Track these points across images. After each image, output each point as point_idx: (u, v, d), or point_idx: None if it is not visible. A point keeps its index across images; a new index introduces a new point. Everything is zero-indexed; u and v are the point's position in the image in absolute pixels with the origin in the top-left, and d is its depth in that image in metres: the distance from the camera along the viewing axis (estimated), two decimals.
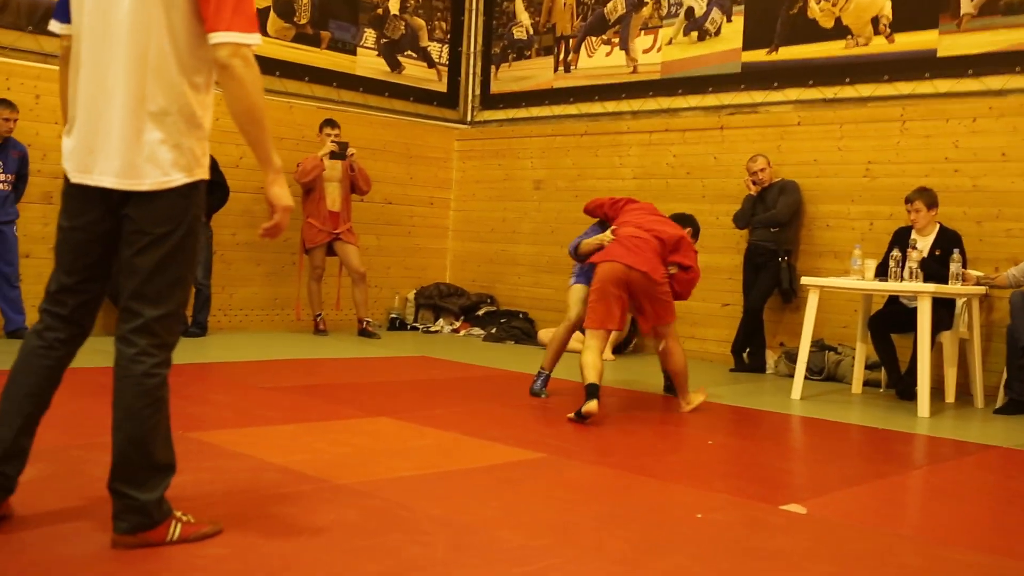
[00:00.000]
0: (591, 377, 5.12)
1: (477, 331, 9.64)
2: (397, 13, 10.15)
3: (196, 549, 2.78)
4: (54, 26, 2.92)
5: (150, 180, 2.68)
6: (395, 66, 10.16)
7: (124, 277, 2.75)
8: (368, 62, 9.93)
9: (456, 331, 9.81)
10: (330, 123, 8.83)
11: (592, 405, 5.01)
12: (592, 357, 5.21)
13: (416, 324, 10.03)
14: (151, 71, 2.68)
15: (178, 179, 2.71)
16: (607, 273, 5.35)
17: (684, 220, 6.02)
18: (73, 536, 2.85)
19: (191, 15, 2.70)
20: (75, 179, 2.76)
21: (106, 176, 2.70)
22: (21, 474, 2.88)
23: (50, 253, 7.57)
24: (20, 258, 7.37)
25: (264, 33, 9.03)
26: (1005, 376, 6.31)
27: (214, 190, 8.02)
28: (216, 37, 2.66)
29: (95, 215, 2.76)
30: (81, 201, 2.77)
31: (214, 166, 8.13)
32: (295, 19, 9.31)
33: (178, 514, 2.85)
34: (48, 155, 7.57)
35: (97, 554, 2.71)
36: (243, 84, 2.68)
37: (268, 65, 9.04)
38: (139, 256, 2.71)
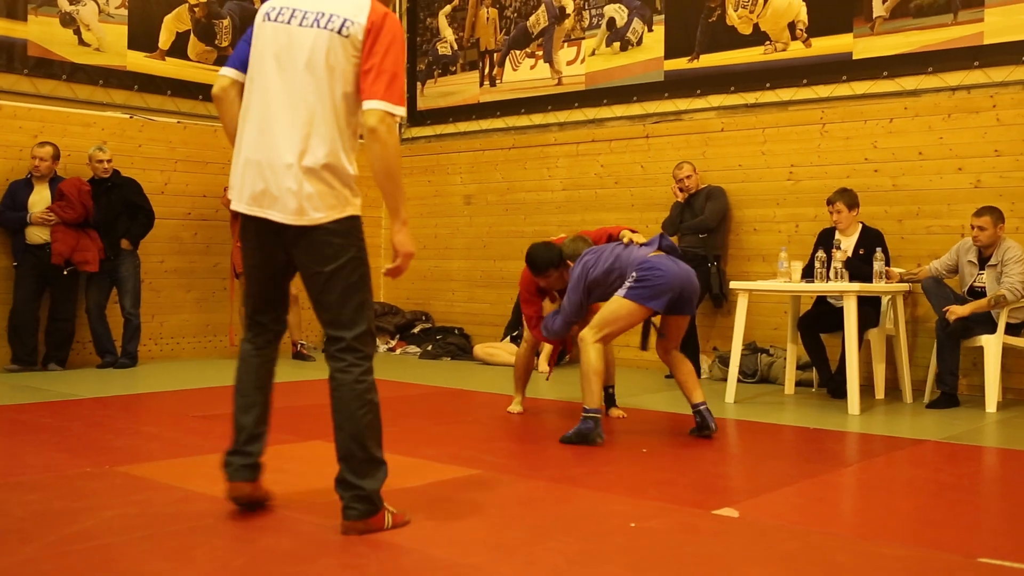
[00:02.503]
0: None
1: (413, 349, 9.60)
2: None
3: None
4: (229, 72, 3.38)
5: (307, 217, 3.18)
6: None
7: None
8: None
9: (392, 350, 9.76)
10: None
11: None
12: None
13: None
14: (315, 130, 3.18)
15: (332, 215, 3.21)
16: None
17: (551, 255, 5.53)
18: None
19: (353, 86, 3.20)
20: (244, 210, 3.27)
21: (275, 213, 3.21)
22: (263, 455, 3.45)
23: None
24: None
25: (185, 57, 8.95)
26: (935, 370, 6.43)
27: (138, 215, 8.01)
28: (369, 104, 3.15)
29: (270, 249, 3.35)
30: (258, 234, 3.31)
31: (138, 191, 8.06)
32: (216, 42, 9.21)
33: (388, 507, 3.31)
34: None
35: None
36: (386, 146, 3.16)
37: (191, 89, 8.95)
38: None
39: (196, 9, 9.05)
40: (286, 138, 3.17)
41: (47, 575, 2.83)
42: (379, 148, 3.16)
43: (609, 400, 5.86)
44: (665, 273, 4.97)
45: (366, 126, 3.16)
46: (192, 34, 9.04)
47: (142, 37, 8.70)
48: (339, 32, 3.16)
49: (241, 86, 3.34)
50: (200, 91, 9.01)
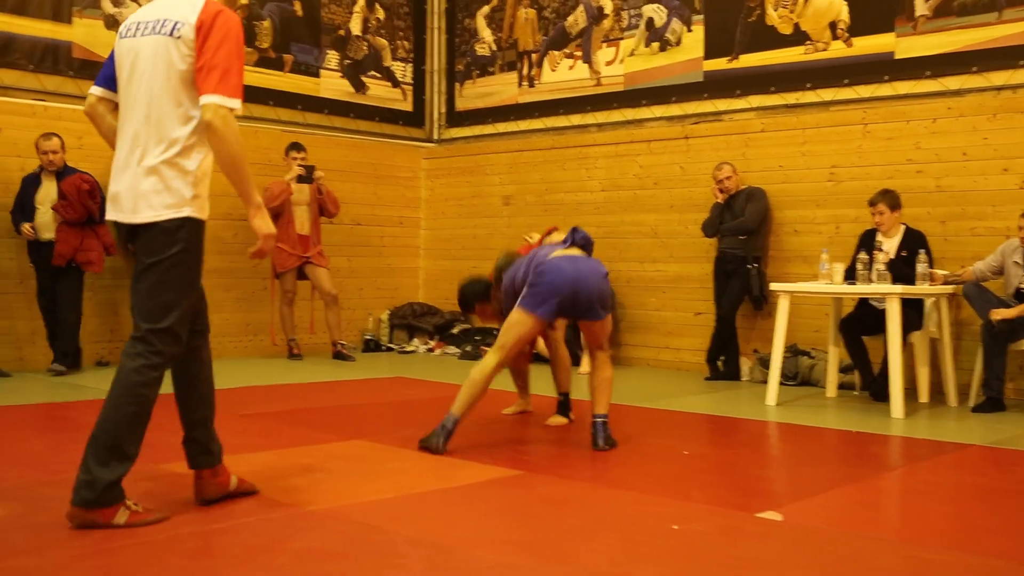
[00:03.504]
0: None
1: (452, 349, 9.61)
2: (359, 34, 10.15)
3: None
4: (95, 90, 3.55)
5: (141, 216, 3.28)
6: (359, 87, 10.16)
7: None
8: (332, 84, 9.92)
9: (431, 350, 9.78)
10: (296, 147, 8.81)
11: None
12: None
13: (391, 345, 9.99)
14: (155, 132, 3.29)
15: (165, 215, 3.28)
16: None
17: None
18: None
19: (192, 86, 3.29)
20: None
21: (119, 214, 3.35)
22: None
23: (17, 287, 7.56)
24: None
25: None
26: (981, 374, 6.34)
27: None
28: (203, 99, 3.24)
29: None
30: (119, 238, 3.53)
31: None
32: (256, 43, 9.28)
33: (129, 503, 3.27)
34: (11, 187, 7.52)
35: None
36: (223, 138, 3.24)
37: None
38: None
39: (237, 11, 9.10)
40: (131, 143, 3.33)
41: (95, 571, 2.86)
42: (217, 141, 3.25)
43: (562, 407, 5.63)
44: (553, 277, 4.66)
45: (203, 121, 3.26)
46: None
47: None
48: (171, 35, 3.30)
49: (108, 102, 3.54)
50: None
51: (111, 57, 3.52)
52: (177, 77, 3.29)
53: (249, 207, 3.38)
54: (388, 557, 3.02)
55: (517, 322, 4.74)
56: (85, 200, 7.37)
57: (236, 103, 3.28)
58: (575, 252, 4.86)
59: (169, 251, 3.28)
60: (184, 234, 3.30)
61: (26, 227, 7.35)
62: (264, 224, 3.37)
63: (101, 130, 3.58)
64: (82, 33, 8.14)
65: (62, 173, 7.45)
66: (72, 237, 7.39)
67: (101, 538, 3.14)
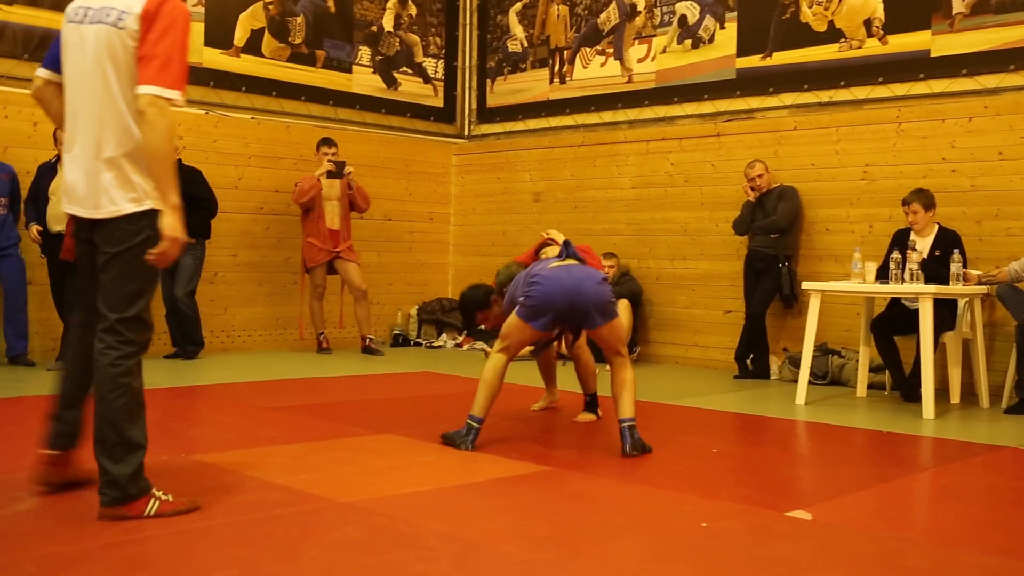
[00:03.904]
0: None
1: (481, 345, 9.63)
2: (391, 30, 10.18)
3: (200, 571, 2.77)
4: (41, 72, 3.49)
5: (104, 211, 3.26)
6: (391, 83, 10.19)
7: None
8: (364, 80, 9.95)
9: (459, 345, 9.81)
10: (327, 142, 8.85)
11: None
12: None
13: (419, 340, 10.03)
14: (105, 124, 3.26)
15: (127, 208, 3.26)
16: None
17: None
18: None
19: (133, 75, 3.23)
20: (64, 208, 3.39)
21: (77, 208, 3.32)
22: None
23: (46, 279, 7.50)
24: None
25: (259, 54, 9.07)
26: (1014, 376, 6.28)
27: (197, 207, 7.62)
28: (139, 88, 3.19)
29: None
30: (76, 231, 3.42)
31: (199, 180, 7.89)
32: (289, 39, 9.33)
33: (157, 492, 3.30)
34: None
35: None
36: (155, 129, 3.17)
37: (264, 85, 9.09)
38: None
39: (270, 7, 9.18)
40: (82, 134, 3.29)
41: (127, 559, 2.89)
42: (148, 130, 3.18)
43: (590, 405, 5.64)
44: (545, 289, 4.60)
45: (138, 110, 3.20)
46: (266, 31, 9.16)
47: (218, 34, 8.84)
48: (115, 25, 3.23)
49: (55, 85, 3.46)
50: (273, 88, 9.15)
51: (58, 39, 3.44)
52: (126, 70, 3.23)
53: (164, 205, 3.24)
54: (416, 551, 3.03)
55: (516, 328, 4.71)
56: None
57: (175, 94, 3.20)
58: (570, 262, 4.80)
59: (133, 240, 3.26)
60: (147, 222, 3.26)
61: (33, 230, 7.25)
62: (172, 226, 3.23)
63: (50, 113, 3.55)
64: None
65: None
66: None
67: (133, 527, 3.18)
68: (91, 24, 3.27)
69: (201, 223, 7.91)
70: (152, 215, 3.26)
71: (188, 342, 8.10)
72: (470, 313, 5.42)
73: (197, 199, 7.69)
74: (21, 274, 7.33)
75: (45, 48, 7.77)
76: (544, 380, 5.95)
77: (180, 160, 7.76)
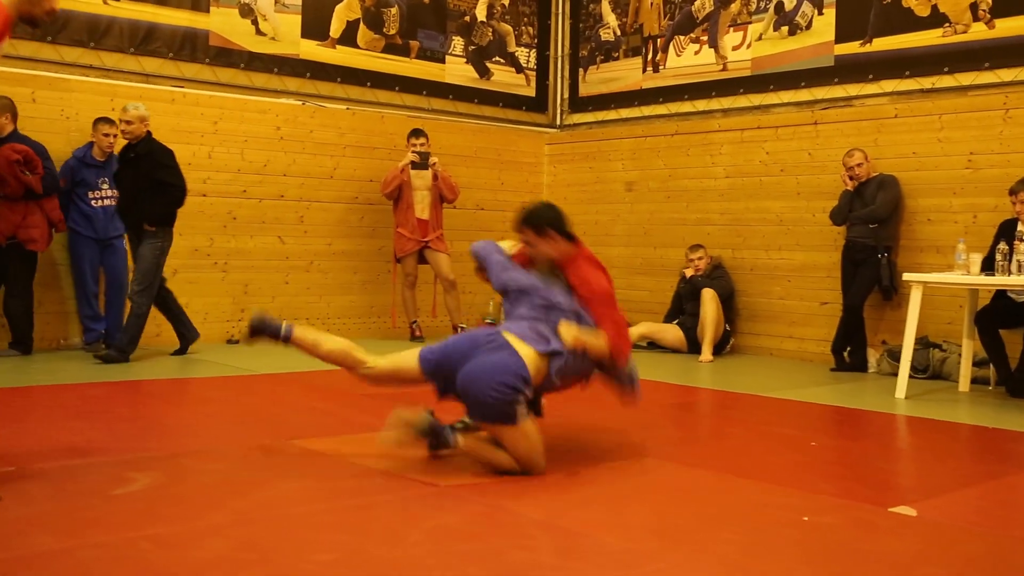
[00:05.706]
0: None
1: None
2: (484, 20, 10.21)
3: (304, 555, 2.83)
4: None
5: None
6: (484, 72, 10.22)
7: None
8: (457, 70, 10.01)
9: None
10: (416, 133, 8.90)
11: None
12: None
13: None
14: None
15: None
16: None
17: None
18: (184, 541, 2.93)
19: None
20: None
21: None
22: None
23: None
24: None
25: (355, 45, 9.19)
26: None
27: (161, 193, 6.98)
28: None
29: None
30: None
31: (165, 162, 7.06)
32: (384, 30, 9.43)
33: None
34: None
35: (211, 560, 2.78)
36: None
37: (359, 76, 9.21)
38: None
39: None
40: None
41: (234, 540, 2.96)
42: None
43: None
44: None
45: None
46: (361, 22, 9.27)
47: (315, 26, 8.97)
48: None
49: None
50: (368, 78, 9.26)
51: None
52: None
53: None
54: (517, 539, 3.05)
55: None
56: (16, 172, 6.85)
57: None
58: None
59: None
60: None
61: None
62: None
63: None
64: (219, 21, 8.39)
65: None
66: (13, 214, 6.96)
67: (240, 510, 3.26)
68: None
69: (165, 211, 7.03)
70: None
71: (114, 339, 7.21)
72: (536, 221, 4.40)
73: (163, 184, 6.97)
74: (124, 266, 7.53)
75: (150, 42, 7.98)
76: None
77: (149, 136, 7.07)
